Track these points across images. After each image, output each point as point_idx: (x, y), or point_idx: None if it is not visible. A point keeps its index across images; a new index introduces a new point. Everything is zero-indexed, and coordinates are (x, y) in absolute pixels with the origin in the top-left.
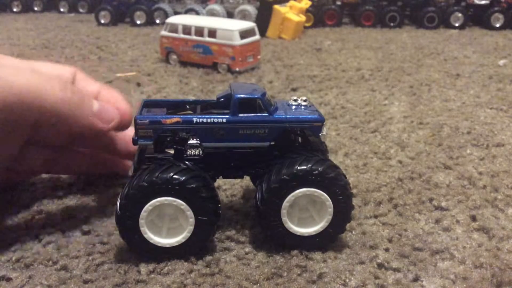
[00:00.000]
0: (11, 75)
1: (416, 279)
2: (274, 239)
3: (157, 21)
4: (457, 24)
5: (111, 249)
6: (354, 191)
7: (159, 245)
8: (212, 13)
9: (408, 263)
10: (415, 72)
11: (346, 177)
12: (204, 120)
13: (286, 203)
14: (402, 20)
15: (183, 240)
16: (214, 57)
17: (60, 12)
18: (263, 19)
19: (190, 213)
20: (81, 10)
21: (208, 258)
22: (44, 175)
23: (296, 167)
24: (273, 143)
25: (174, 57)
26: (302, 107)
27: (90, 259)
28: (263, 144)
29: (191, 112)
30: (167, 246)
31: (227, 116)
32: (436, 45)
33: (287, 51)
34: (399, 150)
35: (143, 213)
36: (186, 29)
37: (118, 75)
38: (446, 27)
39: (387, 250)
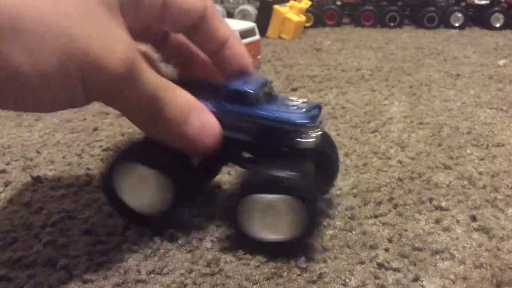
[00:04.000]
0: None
1: (416, 279)
2: (245, 241)
3: None
4: (457, 24)
5: (111, 249)
6: (354, 191)
7: None
8: None
9: (408, 263)
10: (415, 72)
11: (314, 183)
12: None
13: (246, 205)
14: (402, 20)
15: None
16: None
17: None
18: (263, 19)
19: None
20: None
21: (208, 257)
22: (45, 175)
23: (258, 170)
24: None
25: None
26: (296, 107)
27: (90, 259)
28: (246, 138)
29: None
30: None
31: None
32: (436, 45)
33: (287, 51)
34: (399, 150)
35: None
36: None
37: None
38: (446, 27)
39: (387, 250)
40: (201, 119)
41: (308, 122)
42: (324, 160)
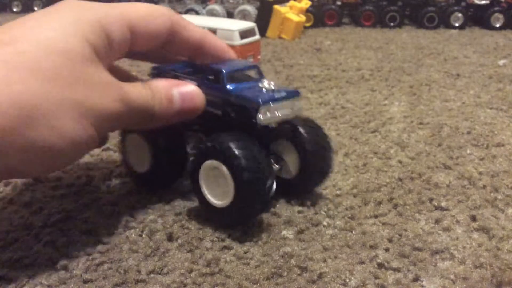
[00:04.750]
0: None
1: (416, 279)
2: (202, 208)
3: None
4: (457, 24)
5: (111, 249)
6: (354, 191)
7: None
8: (212, 13)
9: (408, 263)
10: (415, 72)
11: (252, 151)
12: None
13: (201, 172)
14: (402, 20)
15: None
16: None
17: None
18: (263, 19)
19: None
20: None
21: (208, 257)
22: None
23: (209, 139)
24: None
25: None
26: (264, 89)
27: (90, 259)
28: (216, 112)
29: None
30: None
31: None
32: (436, 45)
33: (287, 51)
34: (399, 150)
35: None
36: None
37: None
38: (446, 27)
39: (387, 250)
40: (181, 91)
41: (258, 101)
42: (307, 150)
